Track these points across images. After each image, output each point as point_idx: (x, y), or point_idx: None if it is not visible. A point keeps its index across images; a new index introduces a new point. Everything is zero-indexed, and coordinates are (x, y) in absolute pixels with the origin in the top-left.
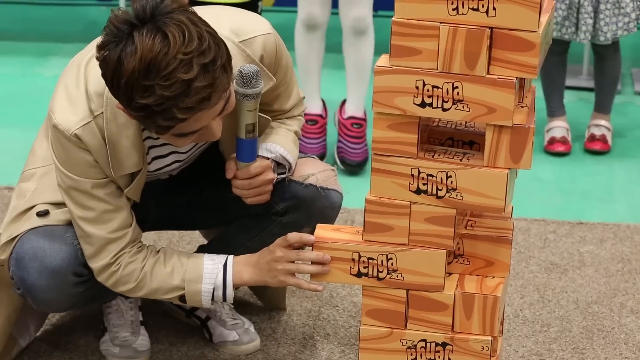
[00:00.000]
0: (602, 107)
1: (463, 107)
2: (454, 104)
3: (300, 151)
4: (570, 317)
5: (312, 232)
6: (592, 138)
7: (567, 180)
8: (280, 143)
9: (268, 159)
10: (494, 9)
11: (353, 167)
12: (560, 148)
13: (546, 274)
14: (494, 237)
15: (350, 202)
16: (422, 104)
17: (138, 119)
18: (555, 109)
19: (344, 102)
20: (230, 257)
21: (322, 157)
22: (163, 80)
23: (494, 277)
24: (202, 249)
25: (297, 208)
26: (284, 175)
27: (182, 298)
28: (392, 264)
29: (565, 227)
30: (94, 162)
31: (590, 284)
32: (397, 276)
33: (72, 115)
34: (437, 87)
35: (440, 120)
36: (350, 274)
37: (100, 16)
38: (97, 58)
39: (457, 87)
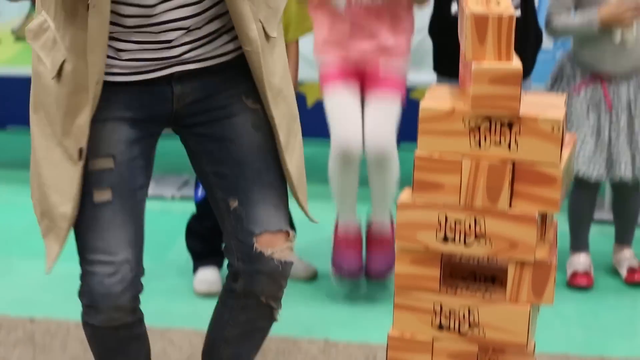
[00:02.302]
0: (624, 239)
1: (485, 242)
2: (476, 238)
3: (337, 265)
4: None
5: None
6: (633, 271)
7: (589, 314)
8: None
9: None
10: (516, 142)
11: (373, 278)
12: (583, 282)
13: None
14: None
15: (373, 337)
16: (445, 239)
17: None
18: (580, 244)
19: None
20: None
21: (359, 273)
22: None
23: None
24: None
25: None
26: None
27: None
28: None
29: None
30: None
31: None
32: None
33: None
34: (460, 222)
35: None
36: None
37: None
38: None
39: (479, 222)
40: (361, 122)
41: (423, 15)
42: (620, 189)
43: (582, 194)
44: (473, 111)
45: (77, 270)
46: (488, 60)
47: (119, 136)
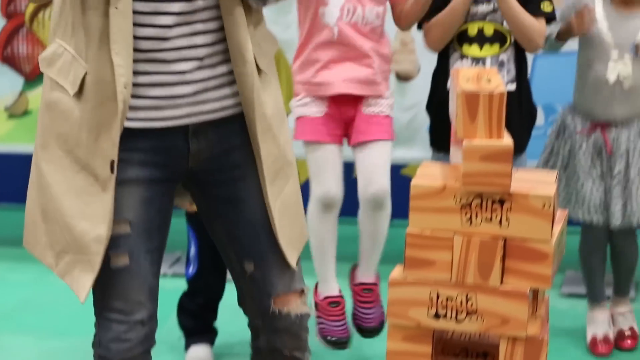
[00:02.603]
0: (621, 290)
1: (477, 318)
2: (467, 315)
3: (324, 334)
4: None
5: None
6: (622, 336)
7: None
8: None
9: None
10: (507, 219)
11: (368, 334)
12: (604, 351)
13: None
14: None
15: None
16: (436, 315)
17: None
18: (596, 294)
19: (354, 269)
20: None
21: (347, 340)
22: None
23: None
24: None
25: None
26: None
27: None
28: None
29: None
30: None
31: None
32: None
33: None
34: (451, 299)
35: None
36: None
37: None
38: None
39: (470, 299)
40: (342, 170)
41: (414, 92)
42: (616, 242)
43: (590, 243)
44: (464, 188)
45: (67, 346)
46: (479, 137)
47: (135, 199)
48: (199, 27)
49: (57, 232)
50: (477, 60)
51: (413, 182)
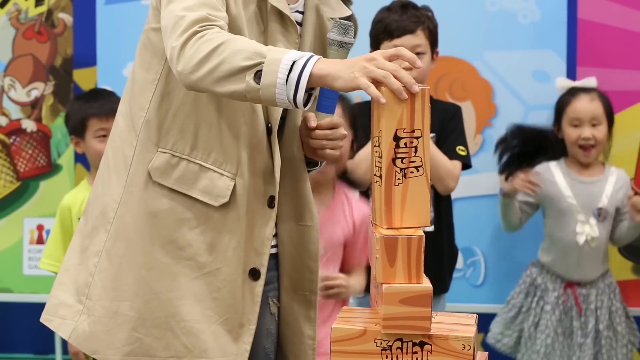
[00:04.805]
0: None
1: None
2: None
3: None
4: None
5: None
6: None
7: None
8: None
9: None
10: None
11: None
12: None
13: None
14: None
15: None
16: None
17: None
18: None
19: None
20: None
21: None
22: None
23: None
24: None
25: None
26: None
27: (257, 74)
28: None
29: None
30: None
31: None
32: None
33: None
34: None
35: None
36: None
37: None
38: None
39: None
40: None
41: None
42: None
43: None
44: (384, 331)
45: None
46: (398, 281)
47: None
48: None
49: (184, 335)
50: None
51: (334, 326)
